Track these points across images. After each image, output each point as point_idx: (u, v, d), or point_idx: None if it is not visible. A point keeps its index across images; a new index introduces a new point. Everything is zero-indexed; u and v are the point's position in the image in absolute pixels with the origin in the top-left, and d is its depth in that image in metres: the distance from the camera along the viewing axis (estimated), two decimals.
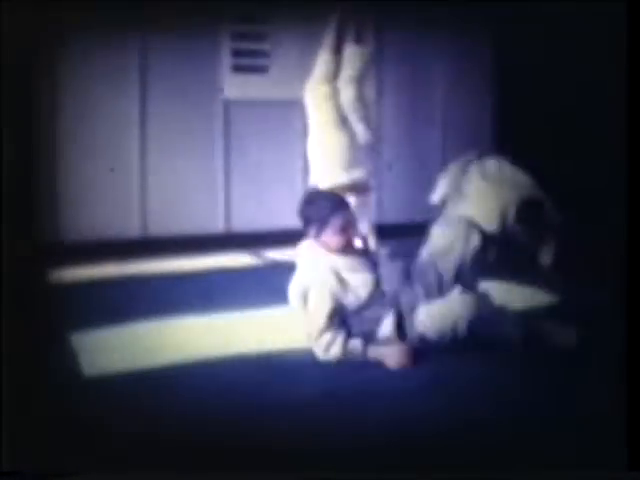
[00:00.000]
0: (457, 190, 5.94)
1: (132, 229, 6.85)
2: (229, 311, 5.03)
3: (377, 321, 4.16)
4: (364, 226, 5.68)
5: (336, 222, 4.13)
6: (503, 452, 3.14)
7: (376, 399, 3.67)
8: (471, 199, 5.91)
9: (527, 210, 5.64)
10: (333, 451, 3.12)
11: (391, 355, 4.01)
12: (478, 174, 5.99)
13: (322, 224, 4.13)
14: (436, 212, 6.41)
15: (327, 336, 4.03)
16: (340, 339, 4.01)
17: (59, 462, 2.96)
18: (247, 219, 7.20)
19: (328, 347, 4.02)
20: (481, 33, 8.22)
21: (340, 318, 4.11)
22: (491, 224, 5.57)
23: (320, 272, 4.15)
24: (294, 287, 4.25)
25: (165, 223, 6.93)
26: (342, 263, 4.18)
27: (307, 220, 4.20)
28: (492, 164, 6.01)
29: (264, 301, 5.17)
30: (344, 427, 3.36)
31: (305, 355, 4.18)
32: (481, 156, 6.01)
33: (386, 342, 4.10)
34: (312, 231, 4.17)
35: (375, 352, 4.03)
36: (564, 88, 7.73)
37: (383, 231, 6.30)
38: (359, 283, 4.17)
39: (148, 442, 3.16)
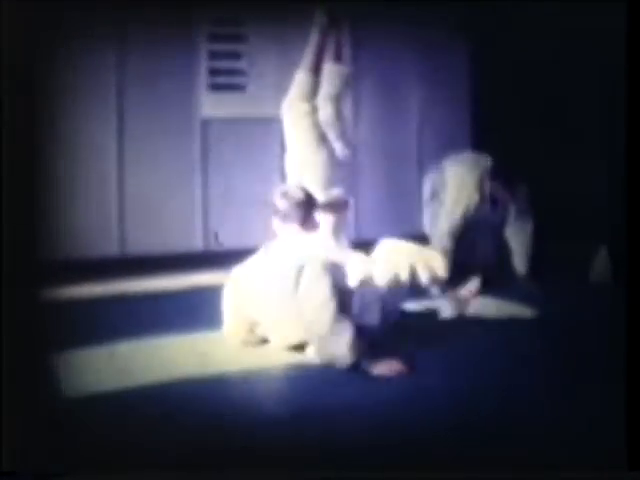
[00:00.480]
0: (441, 183, 6.35)
1: (110, 248, 6.83)
2: (209, 330, 5.02)
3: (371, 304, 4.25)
4: (342, 243, 5.69)
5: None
6: (503, 452, 3.15)
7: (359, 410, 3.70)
8: (451, 183, 6.32)
9: (500, 173, 6.12)
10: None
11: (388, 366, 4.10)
12: (454, 161, 6.42)
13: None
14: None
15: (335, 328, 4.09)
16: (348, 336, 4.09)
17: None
18: (225, 237, 7.19)
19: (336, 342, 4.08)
20: (457, 46, 8.27)
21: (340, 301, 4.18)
22: (470, 200, 6.06)
23: (311, 250, 4.37)
24: (285, 270, 4.37)
25: (143, 242, 6.91)
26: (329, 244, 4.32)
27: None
28: (467, 154, 6.56)
29: None
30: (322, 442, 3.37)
31: (286, 372, 4.19)
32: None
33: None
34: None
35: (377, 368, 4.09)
36: (543, 98, 7.78)
37: (360, 247, 6.31)
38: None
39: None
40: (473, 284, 5.83)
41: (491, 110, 8.18)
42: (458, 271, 5.71)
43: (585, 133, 7.40)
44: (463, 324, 5.30)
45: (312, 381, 4.11)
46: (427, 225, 6.66)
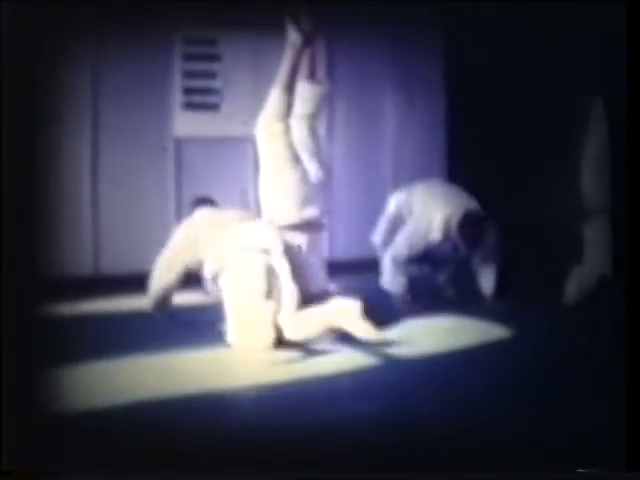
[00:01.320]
0: (407, 207, 6.39)
1: (84, 267, 6.81)
2: (183, 350, 5.03)
3: None
4: (316, 263, 5.70)
5: None
6: (503, 452, 3.17)
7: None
8: (418, 210, 6.35)
9: (468, 221, 6.11)
10: None
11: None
12: (424, 189, 6.44)
13: None
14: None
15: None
16: None
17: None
18: None
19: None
20: (434, 64, 8.32)
21: None
22: (436, 232, 6.11)
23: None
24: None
25: (118, 261, 6.90)
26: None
27: None
28: (436, 182, 6.58)
29: (219, 339, 5.19)
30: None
31: (262, 391, 4.21)
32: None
33: None
34: None
35: None
36: (517, 123, 7.83)
37: (334, 267, 6.33)
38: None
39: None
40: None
41: (467, 130, 8.23)
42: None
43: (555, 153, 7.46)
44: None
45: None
46: (378, 236, 6.66)
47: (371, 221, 7.10)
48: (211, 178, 7.30)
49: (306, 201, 5.67)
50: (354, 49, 7.92)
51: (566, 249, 6.71)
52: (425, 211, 6.44)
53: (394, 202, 6.72)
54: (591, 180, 6.58)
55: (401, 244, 6.41)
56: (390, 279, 6.40)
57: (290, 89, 5.56)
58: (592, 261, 6.39)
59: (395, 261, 6.36)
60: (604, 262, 6.30)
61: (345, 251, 7.83)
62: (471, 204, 6.38)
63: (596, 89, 6.83)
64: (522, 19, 7.34)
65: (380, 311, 6.00)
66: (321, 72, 6.02)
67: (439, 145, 8.44)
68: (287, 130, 5.65)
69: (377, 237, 6.70)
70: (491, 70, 7.86)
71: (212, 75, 7.35)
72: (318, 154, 5.90)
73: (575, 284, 6.38)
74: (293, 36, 5.56)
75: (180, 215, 7.18)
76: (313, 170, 5.77)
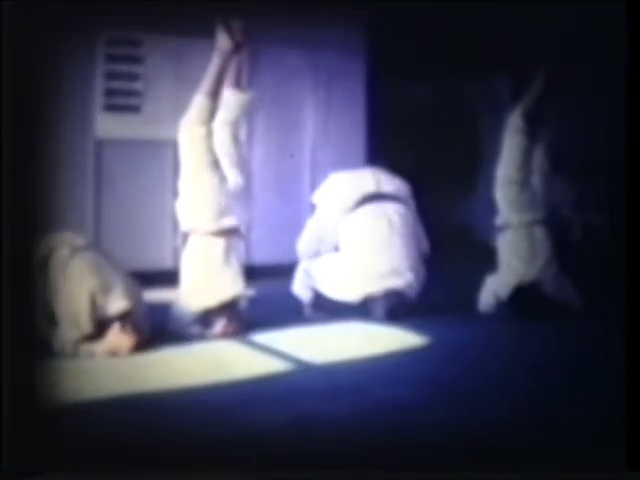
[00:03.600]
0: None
1: None
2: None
3: None
4: (234, 268, 5.71)
5: None
6: (503, 452, 3.21)
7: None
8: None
9: None
10: None
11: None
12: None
13: None
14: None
15: None
16: None
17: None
18: (117, 259, 7.13)
19: None
20: (354, 67, 8.39)
21: None
22: None
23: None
24: None
25: None
26: None
27: None
28: None
29: None
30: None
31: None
32: None
33: None
34: None
35: None
36: (435, 131, 7.94)
37: (252, 272, 6.36)
38: None
39: None
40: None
41: (386, 135, 8.31)
42: None
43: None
44: None
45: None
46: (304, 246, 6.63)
47: (289, 226, 7.14)
48: (131, 180, 7.27)
49: (224, 207, 5.68)
50: (273, 53, 7.94)
51: (480, 257, 6.81)
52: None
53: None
54: (504, 191, 6.67)
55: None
56: (300, 285, 6.41)
57: (215, 95, 5.55)
58: (507, 270, 6.48)
59: (306, 270, 6.37)
60: (519, 271, 6.41)
61: (263, 256, 7.85)
62: None
63: (596, 89, 6.96)
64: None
65: (289, 317, 6.07)
66: (246, 79, 6.01)
67: (357, 150, 8.50)
68: (209, 135, 5.65)
69: (301, 246, 6.60)
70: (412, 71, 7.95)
71: (134, 77, 7.32)
72: (238, 161, 5.92)
73: (489, 293, 6.48)
74: (223, 42, 5.55)
75: (99, 218, 7.16)
76: (232, 177, 5.79)
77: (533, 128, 6.60)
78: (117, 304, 4.94)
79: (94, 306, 4.89)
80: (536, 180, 6.76)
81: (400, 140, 9.52)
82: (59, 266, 4.98)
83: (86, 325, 4.88)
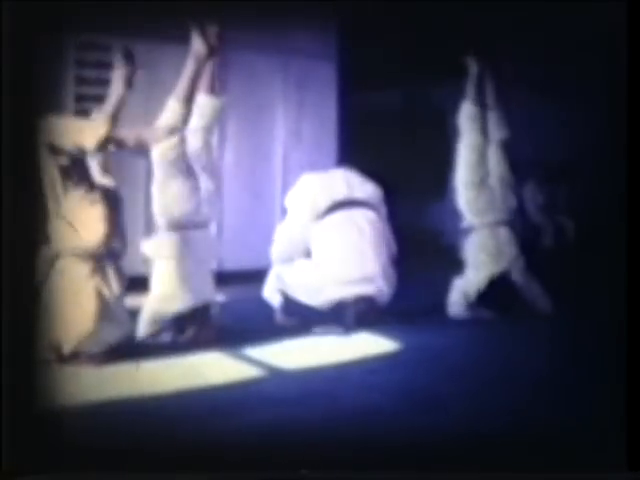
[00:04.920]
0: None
1: None
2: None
3: None
4: (205, 273, 5.72)
5: None
6: (504, 452, 3.22)
7: None
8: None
9: None
10: None
11: None
12: None
13: None
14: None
15: None
16: None
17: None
18: None
19: None
20: (326, 71, 8.40)
21: None
22: None
23: None
24: None
25: None
26: None
27: None
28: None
29: None
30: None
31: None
32: None
33: None
34: None
35: None
36: (404, 134, 7.96)
37: (222, 278, 6.36)
38: None
39: None
40: None
41: (358, 138, 8.33)
42: None
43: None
44: None
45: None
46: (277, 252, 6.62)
47: (260, 231, 7.14)
48: None
49: (195, 212, 5.68)
50: (243, 58, 7.94)
51: (450, 261, 6.85)
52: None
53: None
54: (462, 194, 6.74)
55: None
56: (271, 290, 6.42)
57: (188, 100, 5.52)
58: (476, 268, 6.54)
59: (278, 275, 6.38)
60: (488, 265, 6.47)
61: (234, 261, 7.85)
62: None
63: (596, 89, 7.00)
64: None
65: (259, 322, 6.09)
66: (219, 85, 6.00)
67: (329, 152, 8.52)
68: (181, 140, 5.65)
69: (275, 251, 6.58)
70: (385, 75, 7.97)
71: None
72: (210, 166, 5.92)
73: (458, 294, 6.53)
74: (197, 47, 5.52)
75: None
76: (204, 182, 5.79)
77: (483, 121, 6.70)
78: None
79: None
80: (494, 181, 6.81)
81: (369, 145, 9.55)
82: (61, 270, 4.98)
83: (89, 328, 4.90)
